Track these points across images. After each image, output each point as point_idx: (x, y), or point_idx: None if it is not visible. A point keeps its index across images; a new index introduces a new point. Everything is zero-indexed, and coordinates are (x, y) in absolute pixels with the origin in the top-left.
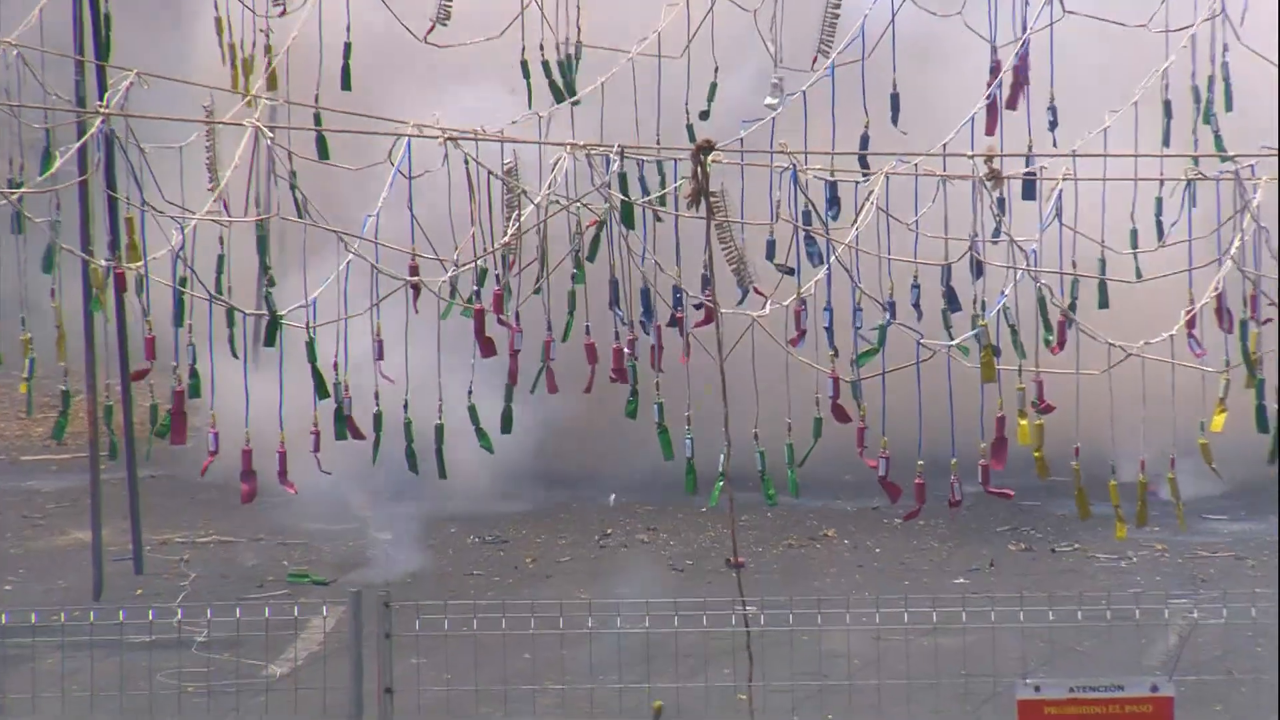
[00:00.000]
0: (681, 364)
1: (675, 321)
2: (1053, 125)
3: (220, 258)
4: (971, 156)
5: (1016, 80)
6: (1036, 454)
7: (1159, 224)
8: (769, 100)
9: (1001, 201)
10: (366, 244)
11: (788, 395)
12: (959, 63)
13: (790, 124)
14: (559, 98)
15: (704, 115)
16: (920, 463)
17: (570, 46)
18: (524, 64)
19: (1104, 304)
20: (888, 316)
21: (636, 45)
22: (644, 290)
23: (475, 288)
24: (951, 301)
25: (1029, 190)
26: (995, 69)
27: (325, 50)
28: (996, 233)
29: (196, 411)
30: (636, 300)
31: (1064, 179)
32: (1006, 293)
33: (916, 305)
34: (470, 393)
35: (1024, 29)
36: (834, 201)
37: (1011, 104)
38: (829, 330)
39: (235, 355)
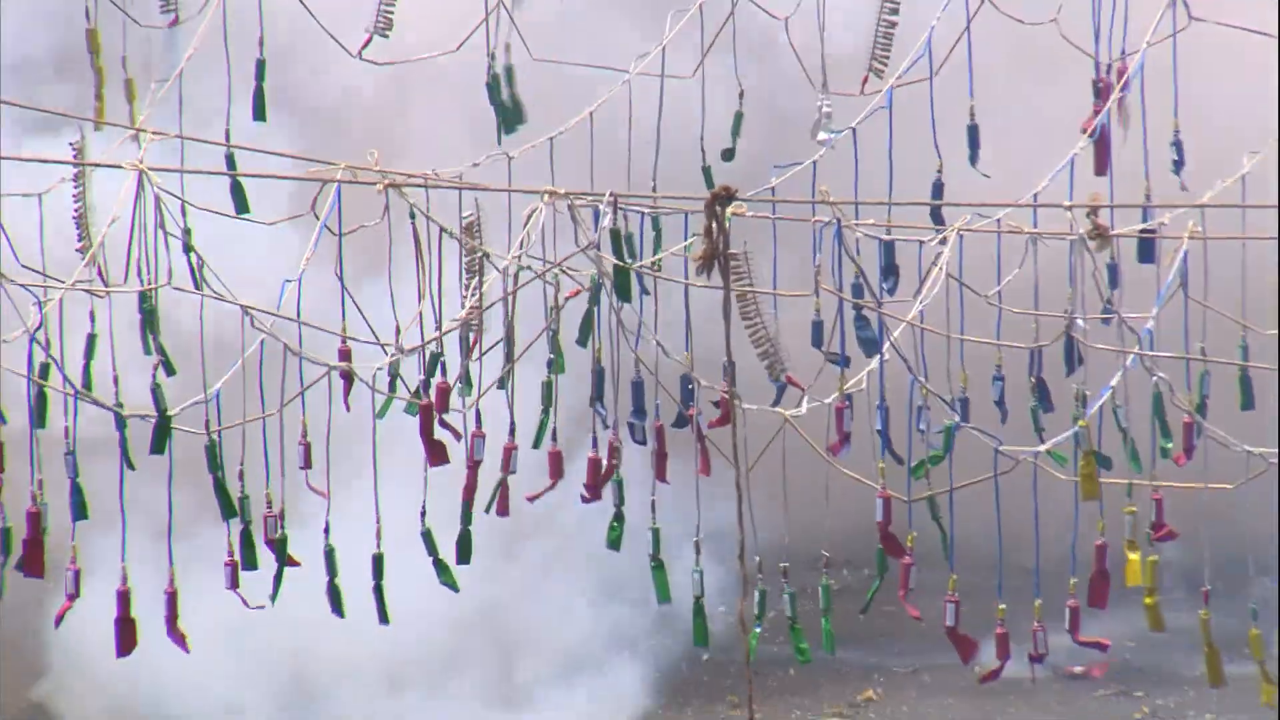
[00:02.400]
0: (702, 476)
1: (684, 421)
2: (1178, 166)
3: (91, 338)
4: (1070, 208)
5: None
6: (1149, 600)
7: None
8: (821, 135)
9: (1112, 268)
10: (283, 320)
11: (827, 516)
12: (1054, 84)
13: (834, 167)
14: (508, 123)
15: (727, 155)
16: (1002, 607)
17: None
18: (491, 84)
19: (1247, 404)
20: (957, 418)
21: (635, 62)
22: (635, 383)
23: (423, 377)
24: (1043, 397)
25: (1146, 252)
26: (1103, 92)
27: (233, 67)
28: (1105, 308)
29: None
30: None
31: (1191, 237)
32: (1114, 385)
33: (1000, 403)
34: (424, 514)
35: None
36: (891, 269)
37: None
38: (882, 435)
39: (132, 466)
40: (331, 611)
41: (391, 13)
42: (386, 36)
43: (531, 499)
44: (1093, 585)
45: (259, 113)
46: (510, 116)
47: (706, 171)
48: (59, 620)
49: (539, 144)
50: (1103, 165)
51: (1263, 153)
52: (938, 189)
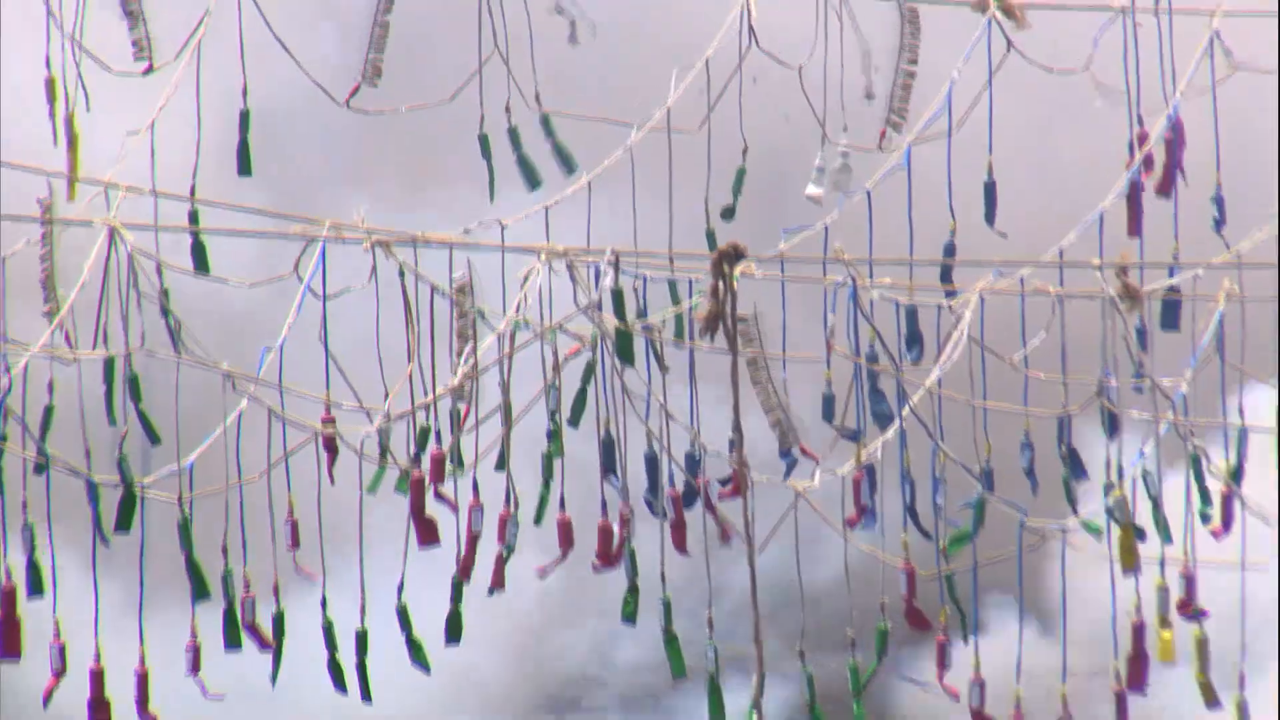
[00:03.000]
0: (722, 542)
1: (693, 495)
2: (1218, 224)
3: (48, 409)
4: (1100, 267)
5: (1168, 159)
6: (1200, 677)
7: None
8: (811, 189)
9: (1140, 331)
10: (266, 387)
11: (848, 594)
12: (1084, 134)
13: (850, 226)
14: (532, 181)
15: (728, 213)
16: (1018, 688)
17: (532, 104)
18: (483, 138)
19: None
20: (981, 489)
21: (639, 127)
22: (649, 457)
23: (414, 448)
24: (1075, 466)
25: (1170, 318)
26: (1138, 142)
27: (209, 120)
28: (1137, 373)
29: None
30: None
31: (1228, 298)
32: (1147, 452)
33: (1029, 472)
34: (401, 588)
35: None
36: (915, 337)
37: (1164, 189)
38: (908, 508)
39: (105, 541)
40: (334, 688)
41: (380, 58)
42: (375, 85)
43: (542, 573)
44: (1130, 665)
45: (244, 166)
46: (529, 174)
47: (710, 236)
48: (46, 698)
49: (533, 212)
50: (1135, 224)
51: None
52: (949, 251)
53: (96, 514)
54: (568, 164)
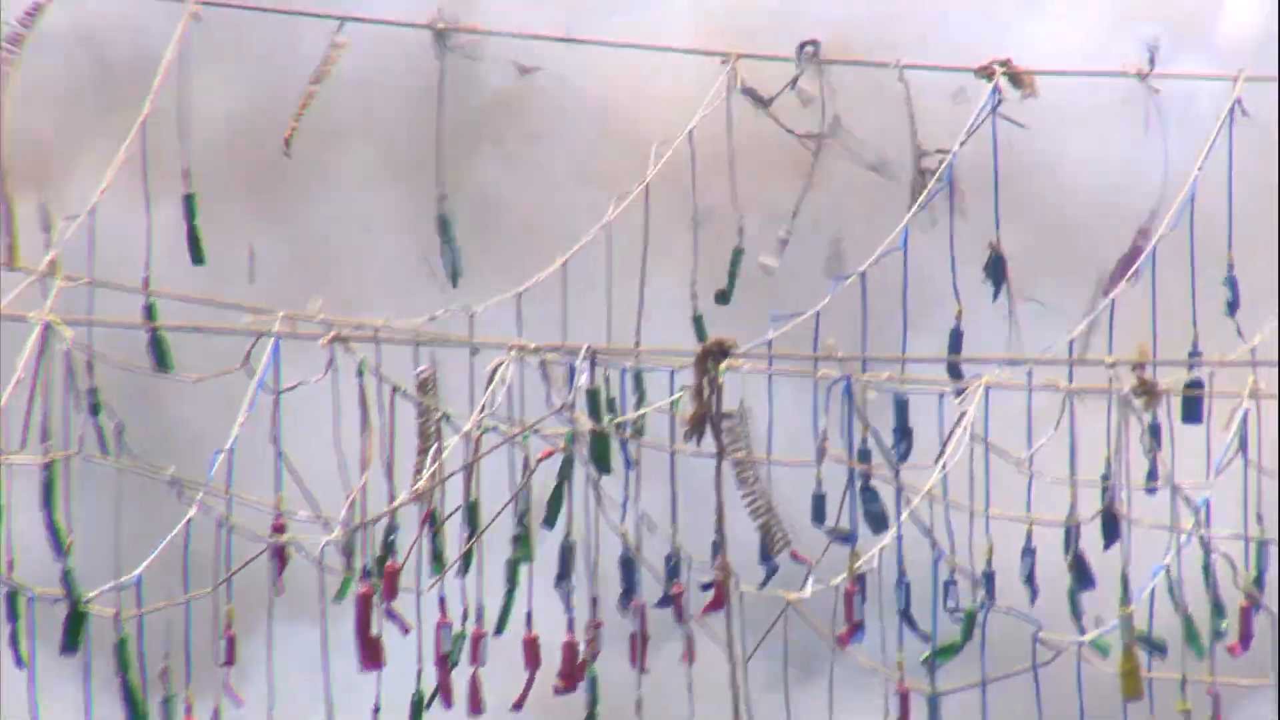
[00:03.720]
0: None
1: (669, 600)
2: (1232, 307)
3: None
4: (1111, 364)
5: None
6: None
7: None
8: (765, 259)
9: (1154, 428)
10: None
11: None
12: (1095, 206)
13: (842, 315)
14: (454, 275)
15: (722, 298)
16: None
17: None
18: (442, 218)
19: None
20: (982, 596)
21: (615, 205)
22: (624, 558)
23: (373, 555)
24: (1082, 575)
25: (1192, 411)
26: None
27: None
28: (1151, 474)
29: None
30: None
31: (1251, 395)
32: (1167, 562)
33: (1029, 580)
34: (378, 710)
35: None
36: (904, 431)
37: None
38: (904, 616)
39: (21, 664)
40: None
41: (313, 92)
42: (287, 155)
43: (518, 706)
44: None
45: (196, 255)
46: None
47: (698, 321)
48: None
49: (506, 298)
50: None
51: None
52: (956, 338)
53: (15, 632)
54: (454, 274)
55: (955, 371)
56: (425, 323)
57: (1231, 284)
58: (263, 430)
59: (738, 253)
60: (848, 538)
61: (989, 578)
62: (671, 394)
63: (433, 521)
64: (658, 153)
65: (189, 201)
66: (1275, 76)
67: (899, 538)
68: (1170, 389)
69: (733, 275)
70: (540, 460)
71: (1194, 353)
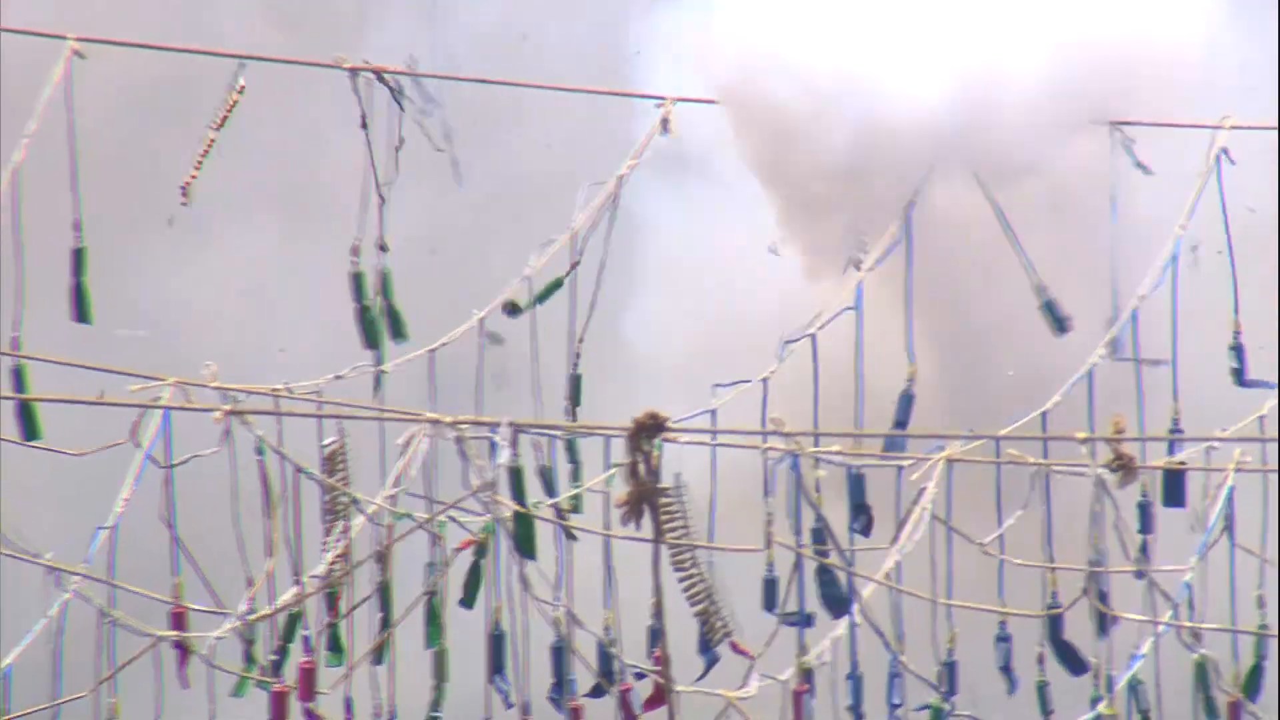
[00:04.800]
0: None
1: (601, 691)
2: (1240, 375)
3: None
4: (1086, 440)
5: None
6: None
7: None
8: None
9: (1143, 507)
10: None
11: None
12: (1070, 260)
13: (792, 384)
14: (372, 338)
15: (513, 310)
16: None
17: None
18: (358, 276)
19: None
20: (945, 697)
21: (537, 254)
22: (556, 648)
23: (273, 654)
24: (1072, 663)
25: (1174, 493)
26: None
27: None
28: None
29: None
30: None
31: (1237, 470)
32: (1144, 653)
33: (1006, 669)
34: None
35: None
36: (861, 508)
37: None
38: (855, 713)
39: None
40: None
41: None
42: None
43: None
44: None
45: (82, 312)
46: (396, 325)
47: (574, 381)
48: None
49: (418, 356)
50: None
51: None
52: (906, 403)
53: None
54: (399, 329)
55: (894, 444)
56: (329, 381)
57: (1238, 351)
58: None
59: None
60: (803, 620)
61: (950, 668)
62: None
63: (335, 610)
64: (586, 197)
65: (77, 257)
66: (1267, 123)
67: (853, 624)
68: (1160, 465)
69: (540, 298)
70: (457, 551)
71: (1175, 430)
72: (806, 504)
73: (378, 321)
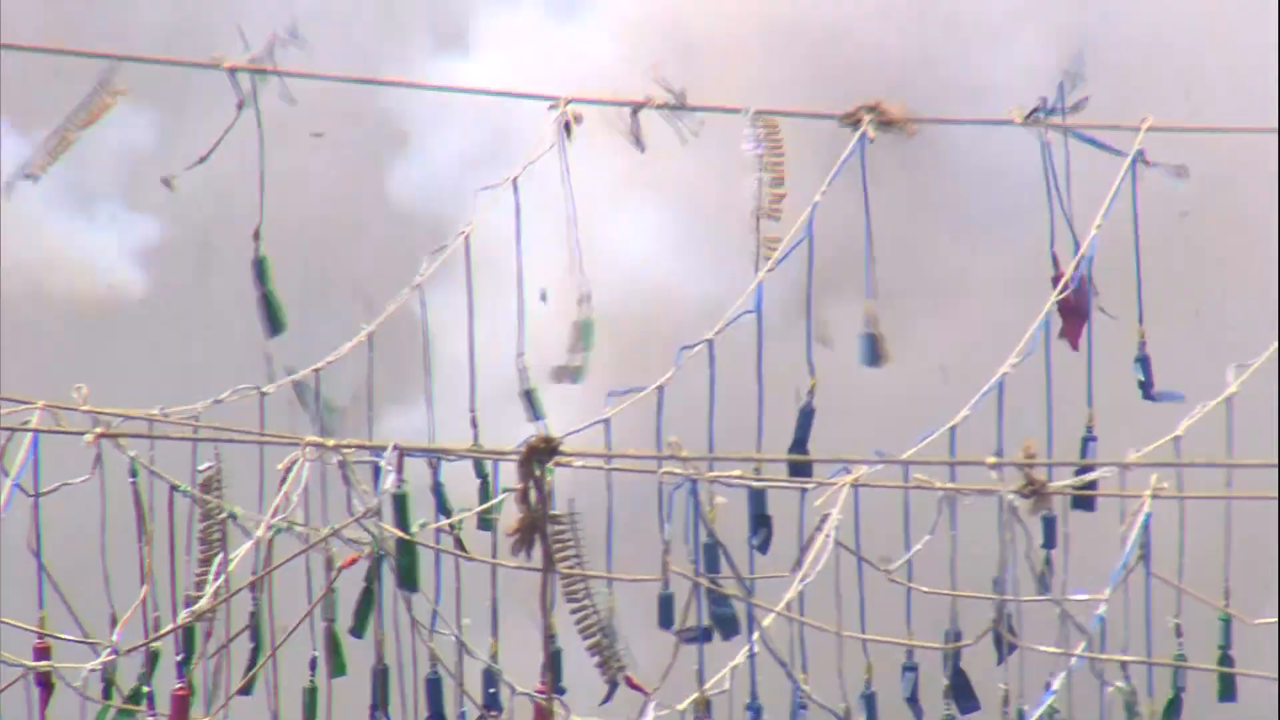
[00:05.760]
0: None
1: None
2: (1146, 388)
3: None
4: (995, 465)
5: (1078, 306)
6: None
7: None
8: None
9: (1048, 523)
10: None
11: None
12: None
13: (686, 403)
14: (276, 324)
15: (576, 374)
16: None
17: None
18: (260, 261)
19: (1226, 694)
20: None
21: (427, 259)
22: (432, 678)
23: (144, 684)
24: (963, 697)
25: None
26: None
27: None
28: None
29: None
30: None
31: (1155, 495)
32: (1055, 687)
33: (912, 700)
34: None
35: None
36: (762, 520)
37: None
38: None
39: None
40: None
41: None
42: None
43: None
44: None
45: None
46: (274, 316)
47: (529, 395)
48: None
49: (304, 375)
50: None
51: (1255, 363)
52: (806, 418)
53: None
54: (276, 322)
55: (799, 470)
56: (209, 406)
57: (1143, 364)
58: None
59: (587, 325)
60: (701, 635)
61: (869, 699)
62: (496, 497)
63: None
64: (480, 203)
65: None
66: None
67: (752, 654)
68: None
69: (585, 349)
70: (342, 569)
71: (1089, 437)
72: (704, 530)
73: (280, 308)
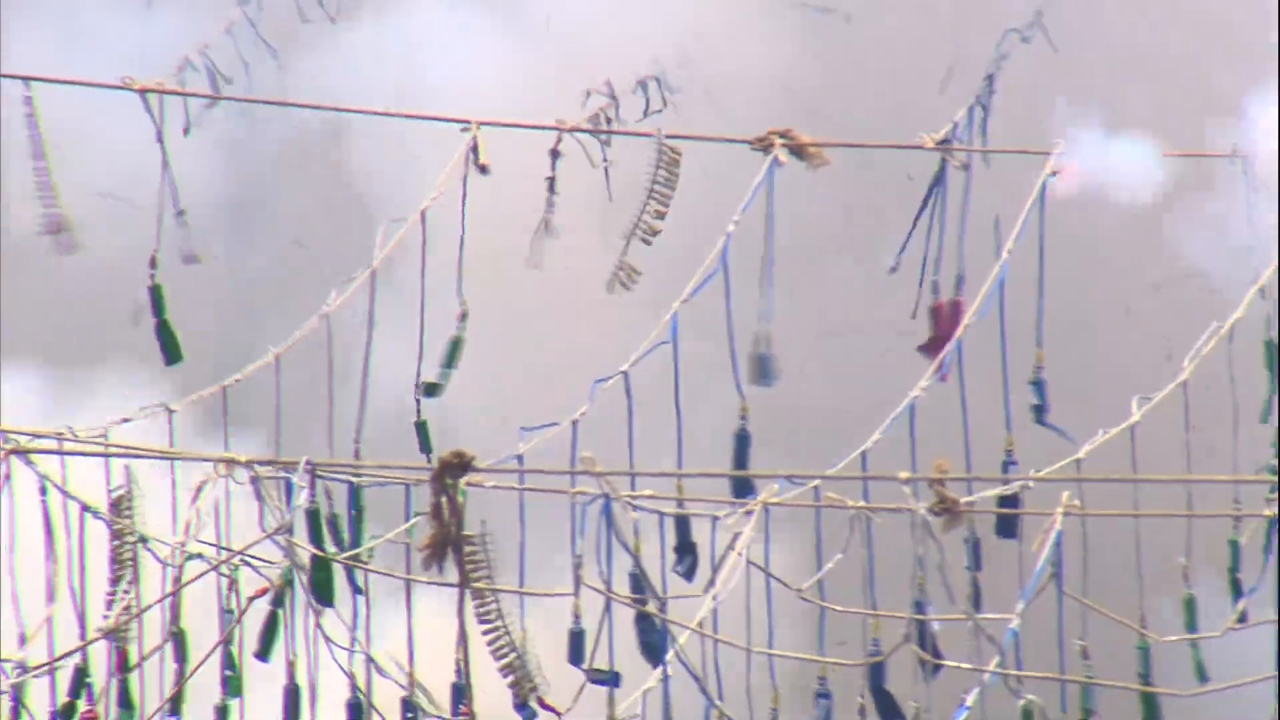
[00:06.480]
0: None
1: None
2: (1039, 412)
3: None
4: (908, 480)
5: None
6: None
7: (1233, 583)
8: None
9: (972, 545)
10: None
11: None
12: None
13: (607, 422)
14: (171, 354)
15: (431, 389)
16: None
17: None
18: (155, 289)
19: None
20: None
21: (336, 293)
22: (352, 704)
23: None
24: (889, 715)
25: (1007, 525)
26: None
27: None
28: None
29: None
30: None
31: (1065, 513)
32: (969, 704)
33: None
34: None
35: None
36: (687, 547)
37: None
38: None
39: None
40: None
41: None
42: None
43: None
44: None
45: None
46: (169, 346)
47: (421, 428)
48: None
49: (210, 393)
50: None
51: (1156, 397)
52: (742, 443)
53: None
54: (171, 352)
55: (742, 488)
56: (116, 425)
57: (1039, 387)
58: None
59: (455, 342)
60: (610, 679)
61: None
62: (409, 519)
63: (125, 663)
64: (387, 232)
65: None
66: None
67: (666, 675)
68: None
69: (449, 365)
70: (252, 600)
71: (1009, 462)
72: (621, 548)
73: (175, 337)
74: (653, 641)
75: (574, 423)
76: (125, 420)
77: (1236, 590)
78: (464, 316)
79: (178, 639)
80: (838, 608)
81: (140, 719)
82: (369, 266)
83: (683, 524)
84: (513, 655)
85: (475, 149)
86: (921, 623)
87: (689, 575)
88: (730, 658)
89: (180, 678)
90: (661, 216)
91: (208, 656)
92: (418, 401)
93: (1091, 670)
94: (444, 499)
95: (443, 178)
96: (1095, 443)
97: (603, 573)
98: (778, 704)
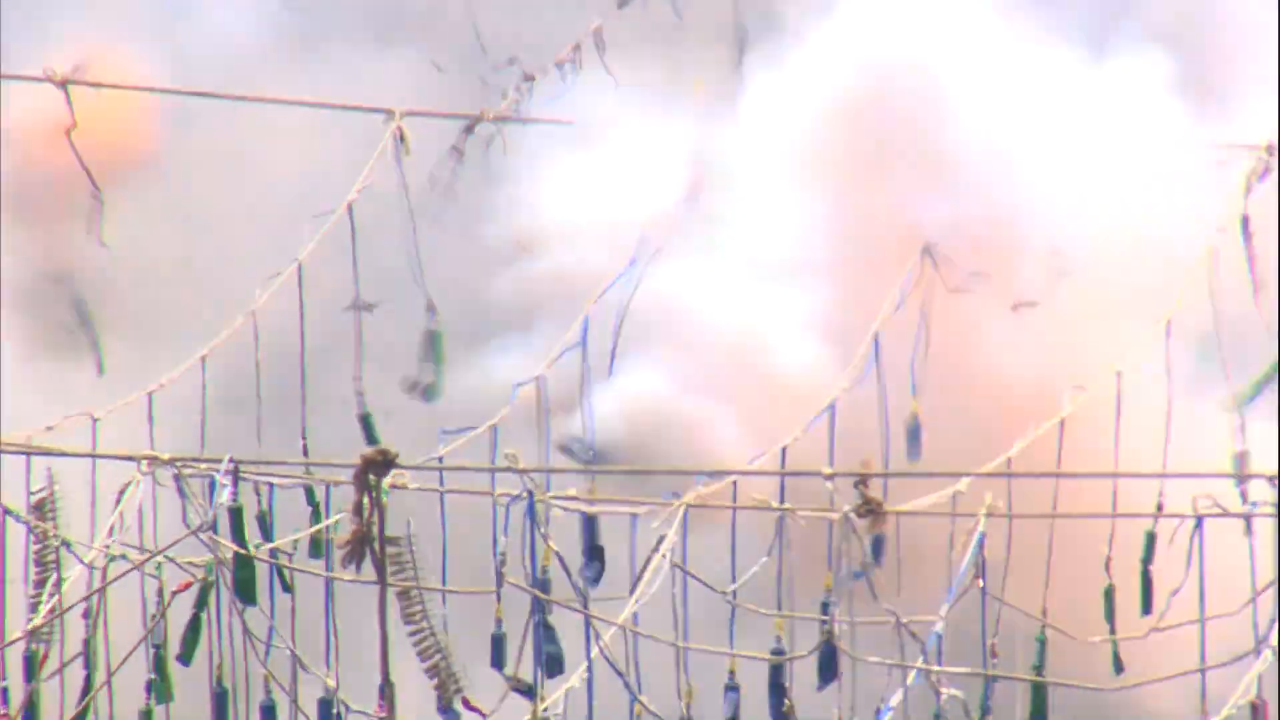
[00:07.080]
0: None
1: None
2: (912, 453)
3: None
4: (829, 476)
5: None
6: None
7: (1144, 580)
8: None
9: (876, 540)
10: None
11: None
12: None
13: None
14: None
15: (431, 392)
16: None
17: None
18: (79, 300)
19: (1038, 714)
20: None
21: (262, 287)
22: (266, 706)
23: None
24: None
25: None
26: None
27: None
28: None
29: None
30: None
31: (988, 515)
32: (893, 705)
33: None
34: None
35: None
36: (595, 552)
37: None
38: None
39: None
40: None
41: None
42: None
43: None
44: None
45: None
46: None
47: (365, 420)
48: None
49: (135, 400)
50: None
51: (1089, 389)
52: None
53: None
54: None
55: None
56: (41, 433)
57: (913, 434)
58: None
59: (437, 335)
60: (528, 691)
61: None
62: (329, 516)
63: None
64: (313, 228)
65: None
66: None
67: (589, 678)
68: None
69: (437, 361)
70: (175, 594)
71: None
72: (543, 545)
73: (100, 343)
74: (552, 652)
75: (494, 427)
76: (49, 428)
77: (1146, 582)
78: (431, 309)
79: (93, 647)
80: (759, 609)
81: None
82: (295, 261)
83: (591, 528)
84: (437, 657)
85: (401, 138)
86: (831, 636)
87: (595, 581)
88: (655, 657)
89: (91, 683)
90: None
91: (124, 660)
92: (358, 395)
93: (999, 667)
94: (366, 496)
95: (367, 170)
96: (1027, 439)
97: (528, 573)
98: (692, 698)
